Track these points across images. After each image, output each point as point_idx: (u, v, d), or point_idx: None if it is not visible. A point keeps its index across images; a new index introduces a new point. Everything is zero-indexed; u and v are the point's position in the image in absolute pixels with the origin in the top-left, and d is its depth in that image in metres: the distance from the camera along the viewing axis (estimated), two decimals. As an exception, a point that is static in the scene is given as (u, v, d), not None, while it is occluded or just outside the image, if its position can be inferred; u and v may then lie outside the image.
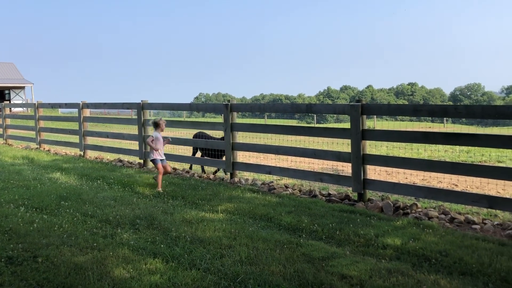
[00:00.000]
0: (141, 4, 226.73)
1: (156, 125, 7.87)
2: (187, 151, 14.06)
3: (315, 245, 4.53)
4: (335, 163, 10.76)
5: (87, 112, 12.29)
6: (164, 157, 7.82)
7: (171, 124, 10.97)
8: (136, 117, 10.54)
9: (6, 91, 53.70)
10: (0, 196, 6.73)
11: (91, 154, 12.36)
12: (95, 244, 4.57)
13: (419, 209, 6.09)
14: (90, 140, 12.74)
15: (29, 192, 6.99)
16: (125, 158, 11.64)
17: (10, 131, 16.55)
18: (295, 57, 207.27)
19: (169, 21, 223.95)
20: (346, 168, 10.18)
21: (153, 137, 7.75)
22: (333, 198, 6.79)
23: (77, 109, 12.31)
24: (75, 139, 13.29)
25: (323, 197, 6.93)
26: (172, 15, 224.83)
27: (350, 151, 6.63)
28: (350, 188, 6.95)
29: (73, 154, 12.87)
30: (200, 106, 10.47)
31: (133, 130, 12.11)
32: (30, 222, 5.31)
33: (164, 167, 7.73)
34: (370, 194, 6.90)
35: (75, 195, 6.78)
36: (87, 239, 4.72)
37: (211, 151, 9.10)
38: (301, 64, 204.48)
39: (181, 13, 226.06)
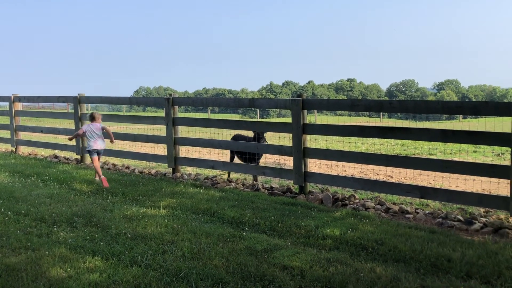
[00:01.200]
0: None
1: (92, 118, 7.91)
2: (127, 146, 13.70)
3: (257, 237, 4.59)
4: (277, 157, 10.94)
5: (19, 106, 11.63)
6: (98, 149, 7.78)
7: (109, 118, 10.65)
8: (72, 111, 10.13)
9: None
10: None
11: (24, 150, 11.73)
12: (29, 244, 4.36)
13: (357, 200, 6.33)
14: (23, 135, 12.08)
15: (-46, 191, 6.53)
16: (61, 154, 11.15)
17: None
18: (238, 51, 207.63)
19: (106, 12, 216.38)
20: (288, 162, 10.37)
21: (83, 129, 7.81)
22: (275, 191, 6.90)
23: (7, 103, 11.62)
24: (6, 134, 12.55)
25: (266, 191, 7.03)
26: (113, 5, 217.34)
27: (291, 145, 6.76)
28: (292, 181, 7.09)
29: (3, 150, 12.14)
30: (141, 100, 10.24)
31: (70, 124, 11.62)
32: (-44, 223, 4.98)
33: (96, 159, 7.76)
34: (310, 186, 7.08)
35: (7, 193, 6.42)
36: (20, 239, 4.49)
37: (247, 154, 7.90)
38: (245, 59, 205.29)
39: (121, 3, 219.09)
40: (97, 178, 7.58)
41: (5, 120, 12.33)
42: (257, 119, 44.77)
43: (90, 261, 3.92)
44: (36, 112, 13.88)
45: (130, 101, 10.42)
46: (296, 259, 3.97)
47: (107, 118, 11.63)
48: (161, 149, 11.43)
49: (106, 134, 7.90)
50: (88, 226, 5.00)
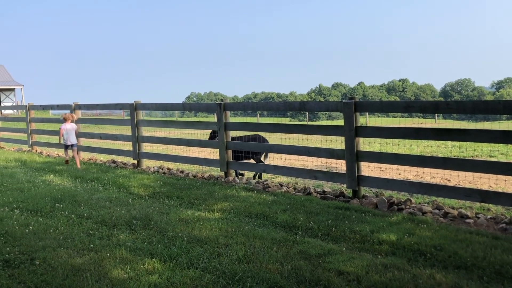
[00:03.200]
0: (130, 4, 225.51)
1: (64, 119, 10.70)
2: (180, 150, 14.05)
3: (311, 242, 4.57)
4: (328, 160, 10.82)
5: (79, 114, 12.23)
6: (72, 143, 10.58)
7: (164, 124, 10.98)
8: (128, 117, 10.51)
9: (-4, 93, 53.28)
10: (-6, 199, 6.69)
11: (84, 156, 12.31)
12: (91, 245, 4.57)
13: (413, 205, 6.15)
14: (83, 142, 12.68)
15: (23, 195, 6.96)
16: (119, 159, 11.61)
17: (2, 134, 16.42)
18: (286, 54, 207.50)
19: (159, 21, 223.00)
20: (339, 165, 10.24)
21: (62, 128, 10.58)
22: (328, 195, 6.84)
23: (69, 111, 12.25)
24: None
25: (318, 195, 6.98)
26: (161, 15, 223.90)
27: (343, 148, 6.68)
28: (345, 185, 7.00)
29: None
30: (193, 105, 10.48)
31: (126, 130, 12.09)
32: (26, 225, 5.29)
33: (72, 151, 10.67)
34: (364, 190, 6.95)
35: (70, 197, 6.76)
36: (83, 241, 4.72)
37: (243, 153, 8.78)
38: (293, 61, 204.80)
39: (170, 13, 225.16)
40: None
41: (67, 127, 13.00)
42: (307, 122, 44.52)
43: (149, 263, 4.06)
44: (95, 119, 14.52)
45: (184, 107, 10.69)
46: (351, 264, 3.91)
47: (162, 124, 12.01)
48: (213, 154, 11.62)
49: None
50: (146, 228, 5.17)
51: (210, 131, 9.53)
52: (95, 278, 3.74)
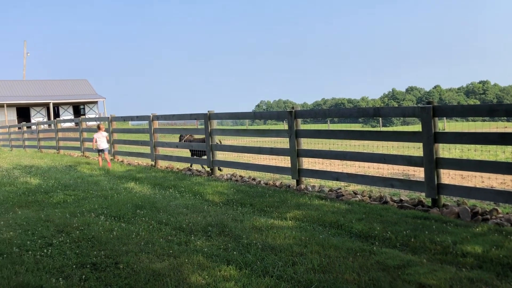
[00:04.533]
0: (184, 13, 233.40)
1: (98, 128, 13.14)
2: (251, 158, 14.23)
3: (389, 252, 4.41)
4: (405, 167, 10.41)
5: (156, 124, 12.82)
6: (104, 148, 13.00)
7: (236, 132, 11.18)
8: (202, 126, 10.84)
9: (81, 106, 57.26)
10: (82, 205, 7.17)
11: (162, 164, 12.86)
12: (170, 251, 4.74)
13: (500, 215, 5.74)
14: (160, 150, 13.26)
15: (107, 202, 7.39)
16: (194, 167, 11.99)
17: (87, 144, 17.61)
18: (356, 59, 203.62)
19: (228, 30, 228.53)
20: (417, 173, 9.83)
21: (95, 136, 13.07)
22: (405, 204, 6.58)
23: (147, 121, 12.88)
24: (145, 149, 13.90)
25: (395, 203, 6.73)
26: (231, 24, 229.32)
27: (421, 155, 6.40)
28: (423, 194, 6.70)
29: (145, 164, 13.46)
30: (264, 114, 10.57)
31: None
32: (110, 230, 5.61)
33: (104, 155, 13.07)
34: (444, 199, 6.61)
35: (150, 204, 7.08)
36: (163, 246, 4.91)
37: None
38: (364, 66, 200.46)
39: (239, 22, 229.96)
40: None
41: (145, 137, 13.69)
42: (380, 128, 43.27)
43: (225, 269, 4.13)
44: (172, 129, 15.13)
45: (255, 116, 10.83)
46: (433, 277, 3.72)
47: (234, 132, 12.24)
48: (283, 161, 11.64)
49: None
50: (221, 235, 5.28)
51: (281, 138, 9.56)
52: (174, 283, 3.87)
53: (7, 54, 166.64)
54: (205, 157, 10.86)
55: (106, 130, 14.74)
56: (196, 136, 12.75)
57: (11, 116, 50.85)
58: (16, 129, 30.85)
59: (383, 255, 4.35)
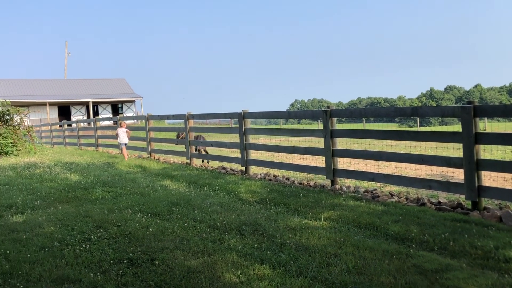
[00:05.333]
0: (231, 14, 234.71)
1: (120, 125, 15.28)
2: (285, 158, 14.20)
3: (426, 256, 4.30)
4: (443, 168, 10.14)
5: (191, 123, 12.98)
6: (124, 142, 15.13)
7: (270, 132, 11.19)
8: (236, 125, 10.89)
9: (119, 105, 58.69)
10: (120, 202, 7.35)
11: (196, 162, 13.02)
12: (205, 248, 4.78)
13: (546, 220, 5.49)
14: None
15: (144, 199, 7.54)
16: (228, 165, 12.08)
17: (124, 142, 18.04)
18: (393, 57, 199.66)
19: (264, 30, 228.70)
20: (456, 174, 9.55)
21: (117, 130, 15.27)
22: (444, 206, 6.40)
23: (183, 120, 13.06)
24: (181, 148, 14.11)
25: (433, 205, 6.56)
26: (267, 25, 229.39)
27: (461, 156, 6.21)
28: (462, 196, 6.50)
29: (180, 162, 13.65)
30: (299, 113, 10.52)
31: (234, 138, 12.55)
32: (146, 227, 5.71)
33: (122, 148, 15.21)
34: (485, 202, 6.39)
35: (185, 201, 7.17)
36: (197, 244, 4.96)
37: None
38: (401, 64, 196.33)
39: (275, 22, 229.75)
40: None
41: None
42: (417, 128, 42.30)
43: (259, 268, 4.13)
44: (206, 128, 15.30)
45: (289, 115, 10.79)
46: (473, 283, 3.60)
47: (268, 132, 12.26)
48: (317, 161, 11.55)
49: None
50: (255, 234, 5.28)
51: (315, 138, 9.48)
52: (208, 281, 3.90)
53: (50, 53, 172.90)
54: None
55: (143, 129, 15.13)
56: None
57: (53, 114, 52.70)
58: (58, 126, 31.98)
59: (420, 258, 4.24)
